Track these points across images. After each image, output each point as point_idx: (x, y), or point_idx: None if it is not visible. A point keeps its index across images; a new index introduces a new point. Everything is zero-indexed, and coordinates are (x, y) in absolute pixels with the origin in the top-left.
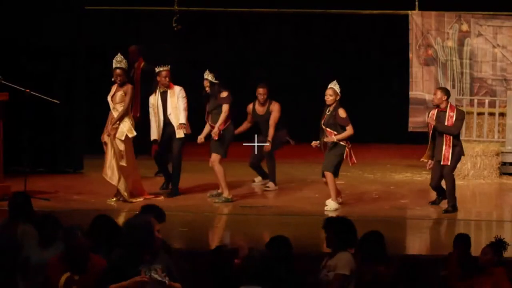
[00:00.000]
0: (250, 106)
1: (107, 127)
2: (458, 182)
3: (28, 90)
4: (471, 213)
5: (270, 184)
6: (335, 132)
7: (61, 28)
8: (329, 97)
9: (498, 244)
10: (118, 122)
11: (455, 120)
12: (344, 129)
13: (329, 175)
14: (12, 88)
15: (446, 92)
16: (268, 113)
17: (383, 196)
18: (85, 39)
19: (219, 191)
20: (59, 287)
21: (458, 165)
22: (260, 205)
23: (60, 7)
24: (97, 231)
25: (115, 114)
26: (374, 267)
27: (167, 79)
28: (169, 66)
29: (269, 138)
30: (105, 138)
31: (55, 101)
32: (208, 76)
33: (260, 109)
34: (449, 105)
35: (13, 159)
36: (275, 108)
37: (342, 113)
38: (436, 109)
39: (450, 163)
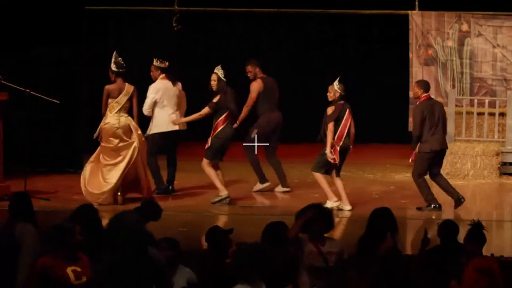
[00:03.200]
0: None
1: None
2: (458, 182)
3: (28, 90)
4: (471, 213)
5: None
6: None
7: (62, 28)
8: None
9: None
10: None
11: None
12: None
13: (315, 175)
14: (12, 88)
15: None
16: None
17: (383, 196)
18: (86, 39)
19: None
20: (71, 282)
21: (458, 165)
22: (260, 205)
23: (60, 7)
24: (79, 219)
25: None
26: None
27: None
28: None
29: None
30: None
31: (55, 101)
32: (218, 71)
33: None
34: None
35: (13, 159)
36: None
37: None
38: None
39: None
